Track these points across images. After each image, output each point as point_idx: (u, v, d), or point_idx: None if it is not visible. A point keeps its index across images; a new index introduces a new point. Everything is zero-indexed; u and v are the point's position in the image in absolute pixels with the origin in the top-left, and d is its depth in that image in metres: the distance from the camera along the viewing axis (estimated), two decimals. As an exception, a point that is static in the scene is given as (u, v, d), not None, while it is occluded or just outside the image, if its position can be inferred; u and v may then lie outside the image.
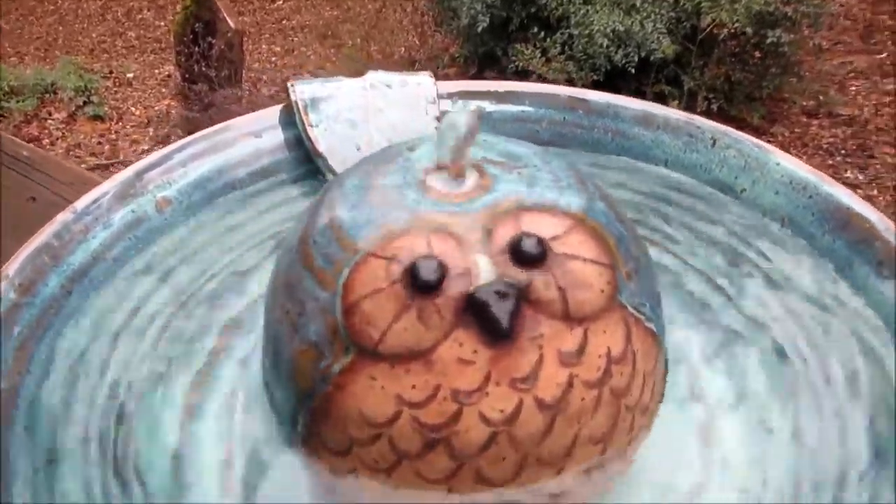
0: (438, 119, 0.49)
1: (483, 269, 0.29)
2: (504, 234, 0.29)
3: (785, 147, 2.38)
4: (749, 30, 2.31)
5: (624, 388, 0.31)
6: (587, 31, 2.23)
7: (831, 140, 2.47)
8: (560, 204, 0.31)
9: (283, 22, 3.56)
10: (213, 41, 2.70)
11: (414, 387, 0.29)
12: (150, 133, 2.83)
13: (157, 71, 3.25)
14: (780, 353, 0.40)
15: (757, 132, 2.43)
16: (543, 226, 0.30)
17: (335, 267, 0.30)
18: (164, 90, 3.12)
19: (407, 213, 0.30)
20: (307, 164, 0.50)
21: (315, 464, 0.32)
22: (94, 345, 0.40)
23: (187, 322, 0.43)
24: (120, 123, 2.88)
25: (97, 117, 2.82)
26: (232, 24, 2.66)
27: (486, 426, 0.29)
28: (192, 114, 2.75)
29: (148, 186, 0.46)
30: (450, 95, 0.51)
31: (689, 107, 2.18)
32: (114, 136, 2.79)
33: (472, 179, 0.32)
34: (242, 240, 0.47)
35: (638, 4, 2.23)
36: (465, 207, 0.30)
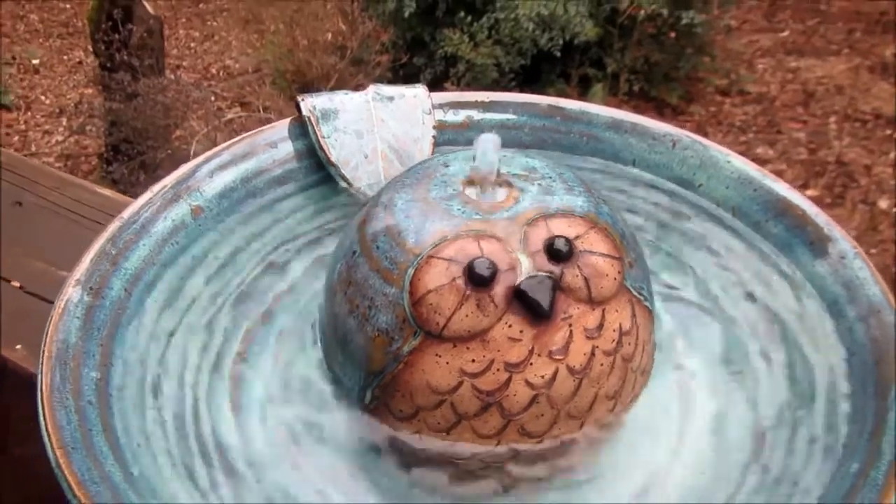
0: (435, 128, 0.56)
1: (524, 265, 0.36)
2: (537, 236, 0.37)
3: (702, 126, 2.52)
4: (664, 11, 2.44)
5: (631, 355, 0.39)
6: (513, 16, 2.31)
7: (743, 118, 2.63)
8: (576, 209, 0.38)
9: (201, 6, 3.43)
10: (133, 28, 2.64)
11: (473, 361, 0.36)
12: (65, 123, 2.70)
13: (65, 57, 3.05)
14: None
15: (675, 112, 2.56)
16: (567, 228, 0.37)
17: (400, 267, 0.37)
18: (76, 77, 2.96)
19: (456, 221, 0.37)
20: (318, 172, 0.55)
21: (381, 428, 0.39)
22: (153, 342, 0.46)
23: (229, 317, 0.48)
24: (29, 113, 2.71)
25: (2, 106, 2.68)
26: (151, 10, 2.62)
27: (530, 390, 0.36)
28: (116, 104, 2.66)
29: (182, 196, 0.51)
30: (441, 106, 0.58)
31: (613, 88, 2.29)
32: (23, 127, 2.62)
33: (502, 191, 0.39)
34: (266, 243, 0.53)
35: (560, -12, 2.31)
36: (502, 215, 0.38)
